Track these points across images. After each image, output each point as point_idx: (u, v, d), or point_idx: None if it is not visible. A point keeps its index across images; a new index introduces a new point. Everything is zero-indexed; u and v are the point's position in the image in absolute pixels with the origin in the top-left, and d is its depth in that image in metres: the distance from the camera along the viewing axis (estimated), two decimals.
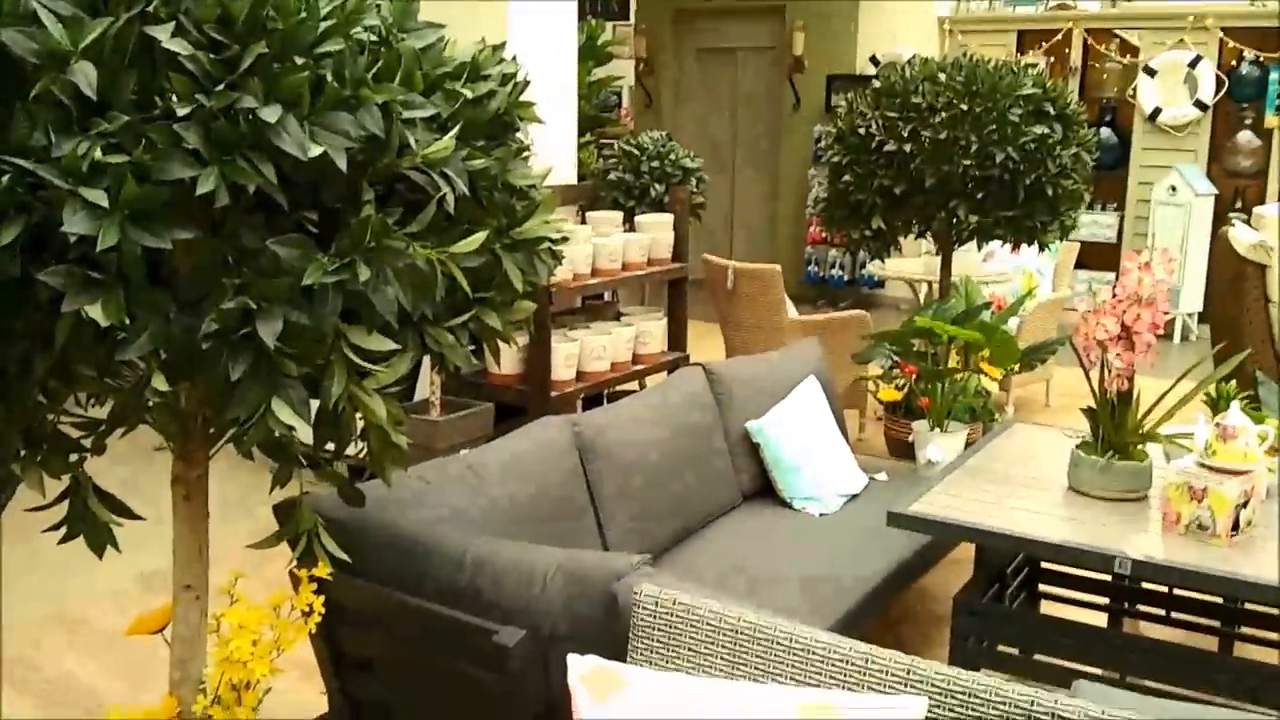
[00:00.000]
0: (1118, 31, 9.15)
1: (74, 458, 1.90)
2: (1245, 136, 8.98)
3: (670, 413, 3.61)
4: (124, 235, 1.52)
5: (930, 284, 6.79)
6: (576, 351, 4.61)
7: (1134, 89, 9.02)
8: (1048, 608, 3.58)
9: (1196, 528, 2.82)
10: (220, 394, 1.69)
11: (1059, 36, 9.26)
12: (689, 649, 1.96)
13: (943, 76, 4.96)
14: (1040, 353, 5.14)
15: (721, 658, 1.94)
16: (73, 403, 1.93)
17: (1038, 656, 3.11)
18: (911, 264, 7.43)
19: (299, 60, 1.61)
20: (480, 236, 1.85)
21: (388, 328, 1.75)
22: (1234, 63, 8.86)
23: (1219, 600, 3.34)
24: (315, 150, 1.59)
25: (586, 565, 2.24)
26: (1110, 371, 3.05)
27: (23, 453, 1.81)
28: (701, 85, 11.09)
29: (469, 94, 1.87)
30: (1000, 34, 9.47)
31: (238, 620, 2.01)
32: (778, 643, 1.90)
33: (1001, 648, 3.16)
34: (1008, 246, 5.44)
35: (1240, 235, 5.16)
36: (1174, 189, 8.58)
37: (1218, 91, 8.75)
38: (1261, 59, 8.70)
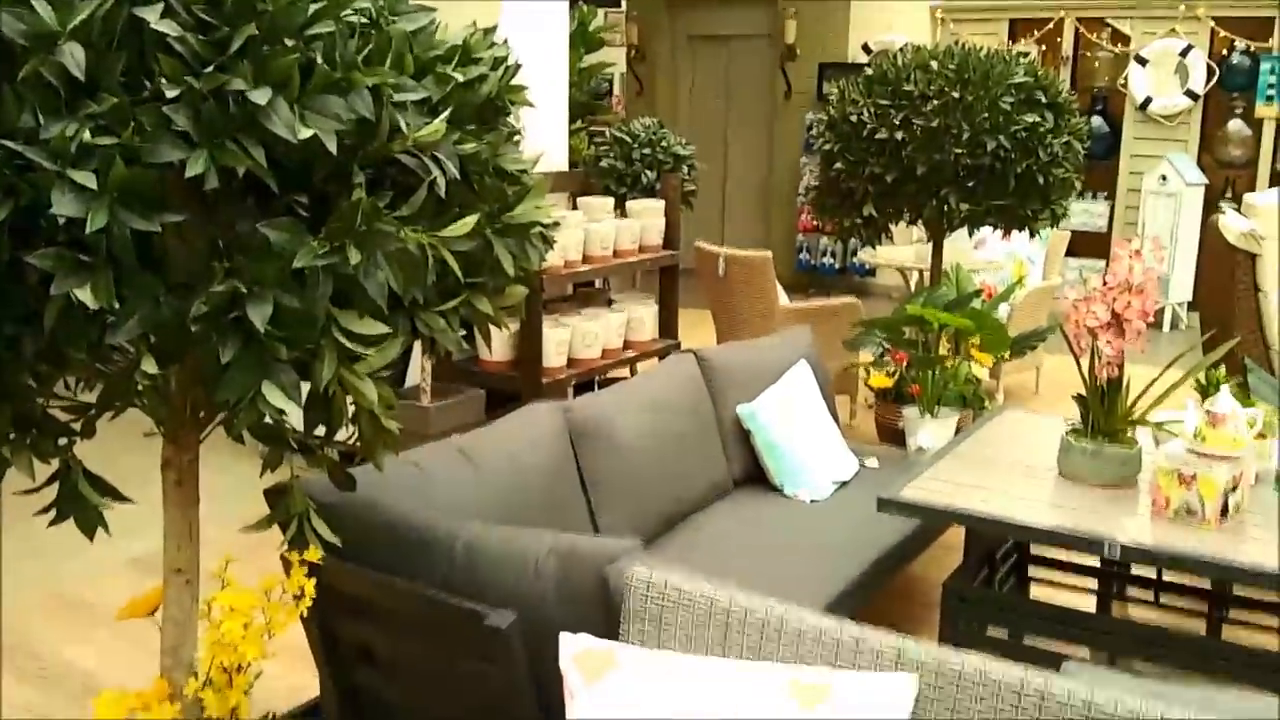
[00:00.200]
0: (1109, 20, 9.16)
1: (63, 441, 1.89)
2: (1236, 126, 9.00)
3: (661, 399, 3.61)
4: (113, 217, 1.51)
5: (921, 272, 6.80)
6: (568, 338, 4.61)
7: (1125, 78, 9.04)
8: (1037, 592, 3.60)
9: (1185, 513, 2.84)
10: (211, 377, 1.68)
11: (1051, 25, 9.26)
12: (681, 631, 1.97)
13: (935, 64, 4.96)
14: (1031, 340, 5.15)
15: (713, 640, 1.94)
16: (62, 387, 1.93)
17: (1027, 640, 3.13)
18: (903, 252, 7.43)
19: (289, 42, 1.61)
20: (471, 220, 1.85)
21: (379, 312, 1.74)
22: (1225, 52, 8.87)
23: (1207, 584, 3.36)
24: (305, 133, 1.58)
25: (578, 549, 2.25)
26: (1100, 358, 3.06)
27: (12, 436, 1.81)
28: (693, 72, 11.08)
29: (460, 77, 1.87)
30: (992, 22, 9.48)
31: (229, 603, 2.01)
32: (769, 624, 1.91)
33: (991, 631, 3.17)
34: (999, 234, 5.45)
35: (1230, 223, 5.17)
36: (1164, 178, 8.60)
37: (1209, 81, 8.77)
38: (1252, 49, 8.71)
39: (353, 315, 1.72)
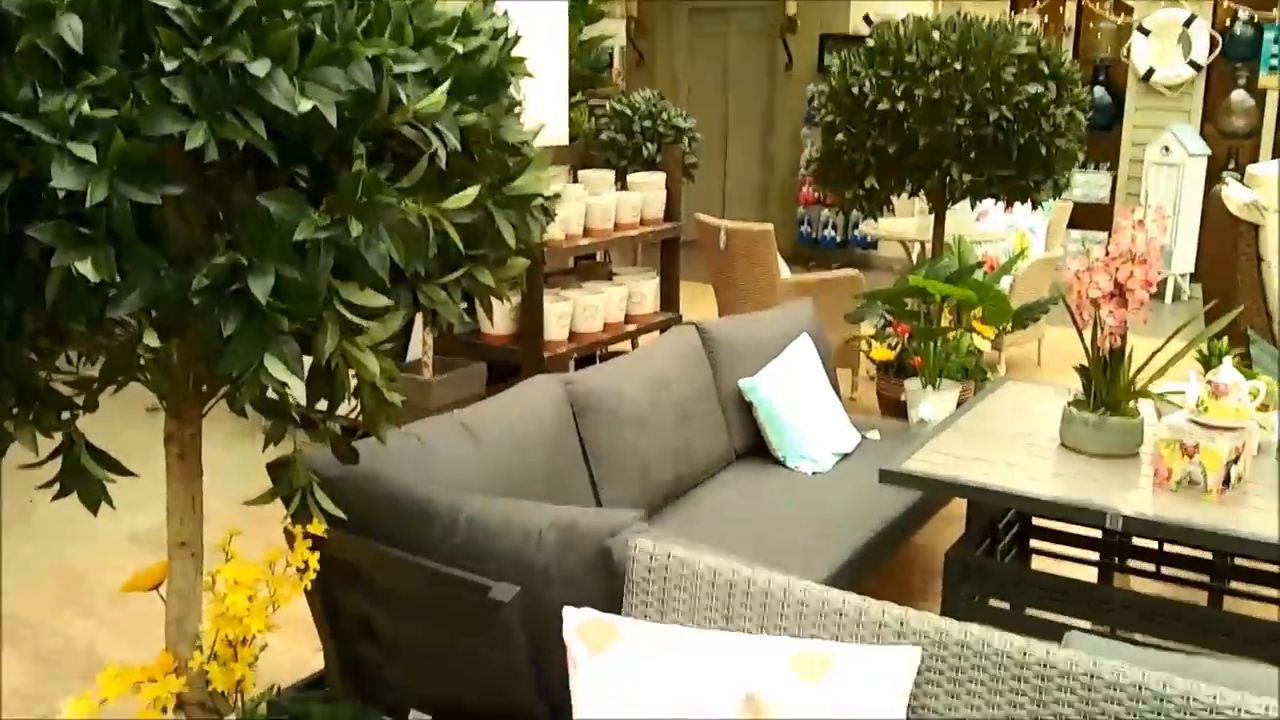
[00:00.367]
0: None
1: (66, 415, 1.89)
2: (1239, 96, 8.95)
3: (663, 371, 3.61)
4: (113, 190, 1.50)
5: (923, 244, 6.79)
6: (569, 311, 4.61)
7: (1128, 48, 8.98)
8: (1039, 563, 3.60)
9: (1188, 484, 2.84)
10: (213, 351, 1.68)
11: None
12: (683, 603, 1.98)
13: (936, 35, 4.94)
14: (1033, 311, 5.15)
15: (716, 611, 1.95)
16: (64, 362, 1.93)
17: (1029, 611, 3.14)
18: (904, 224, 7.42)
19: (287, 14, 1.60)
20: (472, 192, 1.84)
21: (380, 284, 1.74)
22: (1228, 22, 8.82)
23: (1208, 556, 3.37)
24: (305, 105, 1.57)
25: (581, 521, 2.25)
26: (1103, 329, 3.05)
27: (15, 410, 1.80)
28: (694, 44, 11.01)
29: (460, 49, 1.85)
30: None
31: (233, 576, 2.02)
32: (772, 595, 1.91)
33: (993, 602, 3.18)
34: (1001, 206, 5.43)
35: (1233, 194, 5.15)
36: (1167, 149, 8.56)
37: (1212, 51, 8.72)
38: (1256, 18, 8.66)
39: (354, 287, 1.71)
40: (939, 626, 1.80)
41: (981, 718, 1.75)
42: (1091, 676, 1.67)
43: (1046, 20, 9.27)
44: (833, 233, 10.27)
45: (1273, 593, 3.33)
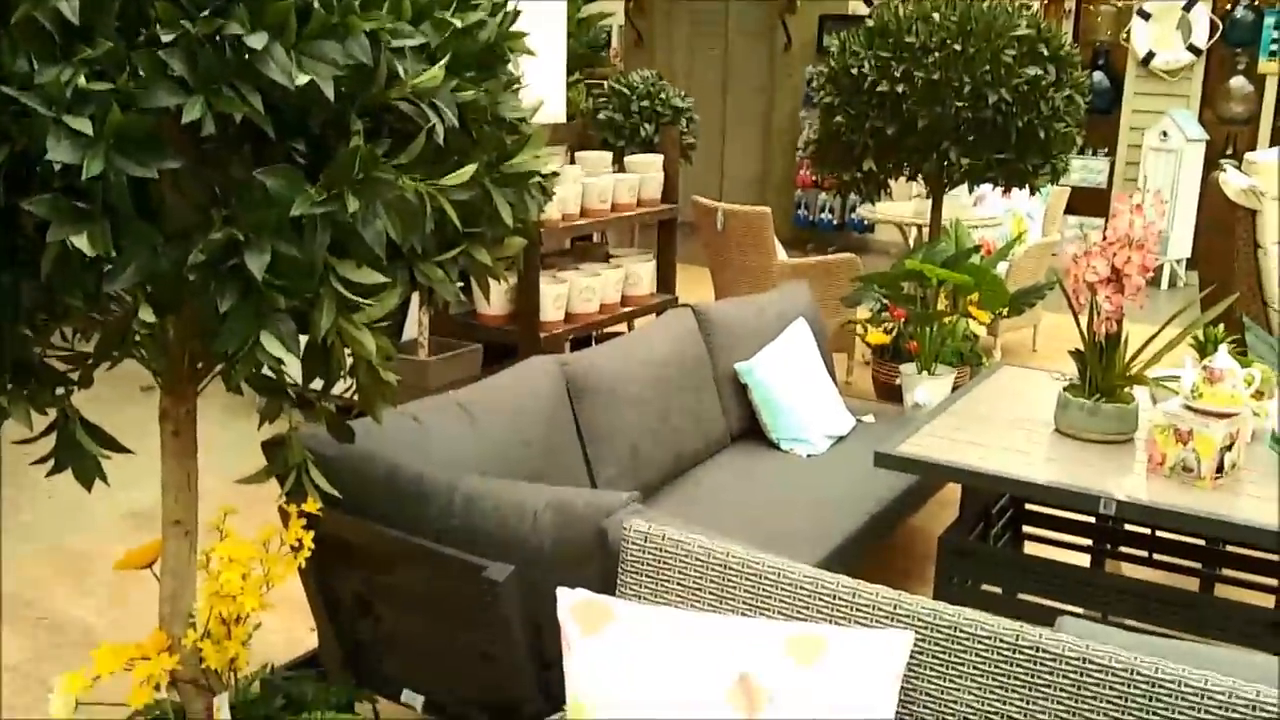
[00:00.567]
0: None
1: (61, 391, 1.89)
2: (1238, 82, 8.94)
3: (659, 354, 3.61)
4: (109, 164, 1.49)
5: (920, 227, 6.77)
6: (565, 292, 4.60)
7: (1128, 32, 8.96)
8: (1031, 548, 3.61)
9: (1181, 470, 2.84)
10: (209, 328, 1.67)
11: None
12: (678, 584, 1.98)
13: (937, 16, 4.92)
14: (1029, 296, 5.14)
15: (710, 592, 1.95)
16: (60, 338, 1.92)
17: (1021, 596, 3.14)
18: (901, 207, 7.40)
19: None
20: (470, 169, 1.83)
21: (377, 261, 1.73)
22: (1229, 7, 8.79)
23: (1200, 542, 3.38)
24: (302, 79, 1.56)
25: (576, 502, 2.25)
26: (1099, 314, 3.05)
27: (10, 386, 1.80)
28: (692, 24, 10.97)
29: (458, 23, 1.84)
30: None
31: (227, 554, 2.01)
32: (765, 577, 1.91)
33: (985, 587, 3.19)
34: (998, 190, 5.42)
35: (1231, 180, 5.14)
36: (1165, 134, 8.55)
37: (1212, 36, 8.69)
38: (1257, 3, 8.64)
39: (351, 265, 1.70)
40: (933, 609, 1.80)
41: (974, 700, 1.75)
42: (1084, 661, 1.68)
43: (1046, 2, 9.24)
44: (830, 216, 10.26)
45: (1264, 579, 3.34)
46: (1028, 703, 1.71)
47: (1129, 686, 1.65)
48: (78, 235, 1.51)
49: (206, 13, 1.53)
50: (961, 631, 1.77)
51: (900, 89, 4.90)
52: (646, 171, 5.08)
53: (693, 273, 6.53)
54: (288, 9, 1.55)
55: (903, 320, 4.93)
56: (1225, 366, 2.86)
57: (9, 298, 1.67)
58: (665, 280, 5.32)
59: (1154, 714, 1.63)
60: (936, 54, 4.84)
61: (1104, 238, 3.03)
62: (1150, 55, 8.85)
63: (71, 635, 3.39)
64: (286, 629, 3.07)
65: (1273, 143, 8.34)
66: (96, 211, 1.53)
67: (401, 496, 2.39)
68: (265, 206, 1.60)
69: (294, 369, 1.76)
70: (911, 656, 1.79)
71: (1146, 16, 8.82)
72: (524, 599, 2.22)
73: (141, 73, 1.51)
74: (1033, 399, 3.44)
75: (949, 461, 2.97)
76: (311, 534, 2.09)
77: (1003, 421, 3.26)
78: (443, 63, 1.77)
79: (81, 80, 1.48)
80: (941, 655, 1.78)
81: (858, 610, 1.85)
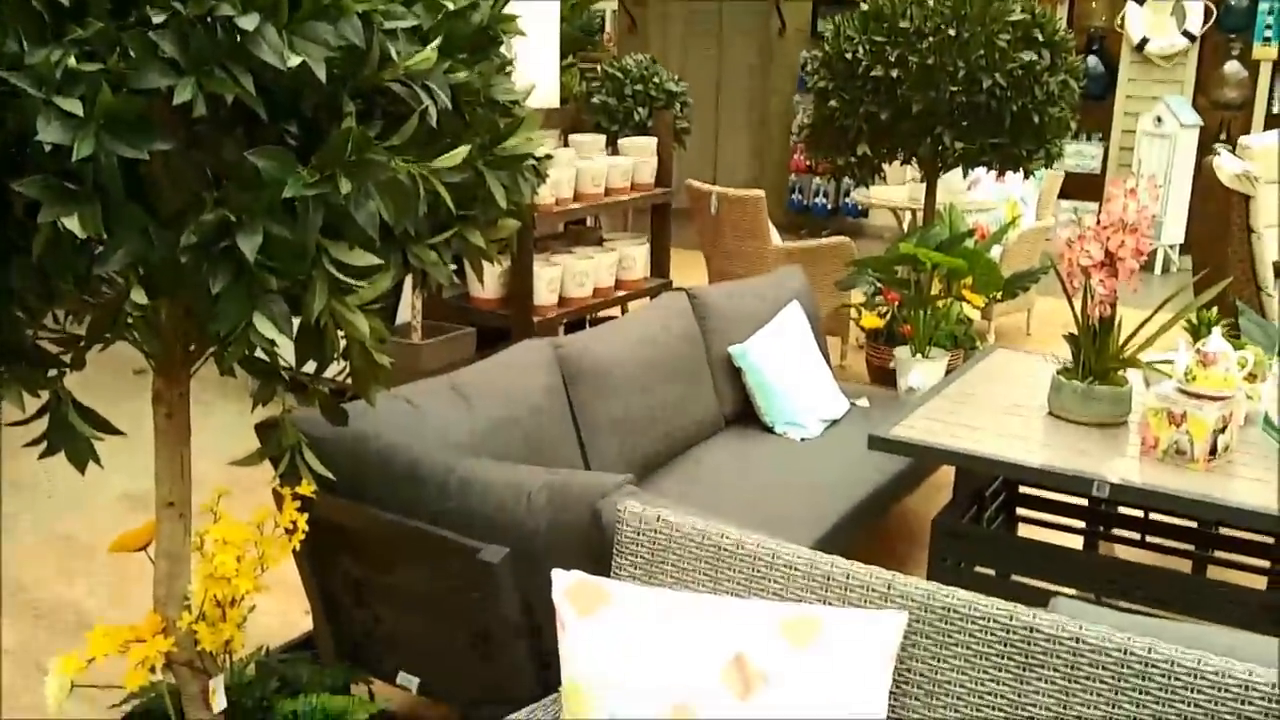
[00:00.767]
0: None
1: (53, 373, 1.88)
2: (1232, 68, 8.93)
3: (653, 337, 3.61)
4: (100, 145, 1.48)
5: (914, 212, 6.77)
6: (559, 276, 4.59)
7: (1122, 17, 8.95)
8: (1025, 531, 3.62)
9: (1174, 452, 2.85)
10: (202, 310, 1.67)
11: None
12: (672, 566, 1.98)
13: (931, 1, 4.91)
14: (1023, 280, 5.15)
15: (704, 574, 1.95)
16: (52, 321, 1.91)
17: (1014, 577, 3.16)
18: (896, 192, 7.40)
19: None
20: (463, 151, 1.82)
21: (369, 243, 1.73)
22: None
23: (1193, 524, 3.39)
24: (294, 60, 1.55)
25: (570, 484, 2.25)
26: (1093, 297, 3.05)
27: (2, 368, 1.79)
28: (686, 8, 10.93)
29: (451, 5, 1.83)
30: None
31: (221, 537, 2.01)
32: (760, 559, 1.92)
33: (979, 569, 3.20)
34: (992, 175, 5.42)
35: (1225, 164, 5.14)
36: (1159, 120, 8.54)
37: (1206, 22, 8.68)
38: None
39: (343, 246, 1.70)
40: (927, 590, 1.81)
41: (967, 681, 1.76)
42: (1077, 641, 1.69)
43: None
44: (824, 200, 10.25)
45: (1256, 561, 3.35)
46: (1021, 683, 1.72)
47: (1122, 667, 1.65)
48: (68, 217, 1.50)
49: None
50: (955, 612, 1.78)
51: (895, 73, 4.89)
52: (640, 155, 5.07)
53: (687, 257, 6.52)
54: None
55: (897, 304, 4.93)
56: (1219, 349, 2.86)
57: (0, 280, 1.66)
58: (659, 264, 5.31)
59: (1146, 694, 1.64)
60: (931, 38, 4.83)
61: (1098, 222, 3.03)
62: (1144, 41, 8.84)
63: (66, 618, 3.39)
64: (281, 612, 3.07)
65: (1267, 128, 8.33)
66: (87, 192, 1.52)
67: (395, 479, 2.39)
68: (257, 188, 1.59)
69: (287, 352, 1.76)
70: (905, 637, 1.79)
71: (1141, 2, 8.81)
72: (518, 579, 2.22)
73: (132, 53, 1.50)
74: (1027, 382, 3.44)
75: (943, 444, 2.98)
76: (305, 516, 2.09)
77: (996, 405, 3.27)
78: (435, 44, 1.76)
79: (72, 61, 1.47)
80: (935, 636, 1.79)
81: (852, 591, 1.85)
